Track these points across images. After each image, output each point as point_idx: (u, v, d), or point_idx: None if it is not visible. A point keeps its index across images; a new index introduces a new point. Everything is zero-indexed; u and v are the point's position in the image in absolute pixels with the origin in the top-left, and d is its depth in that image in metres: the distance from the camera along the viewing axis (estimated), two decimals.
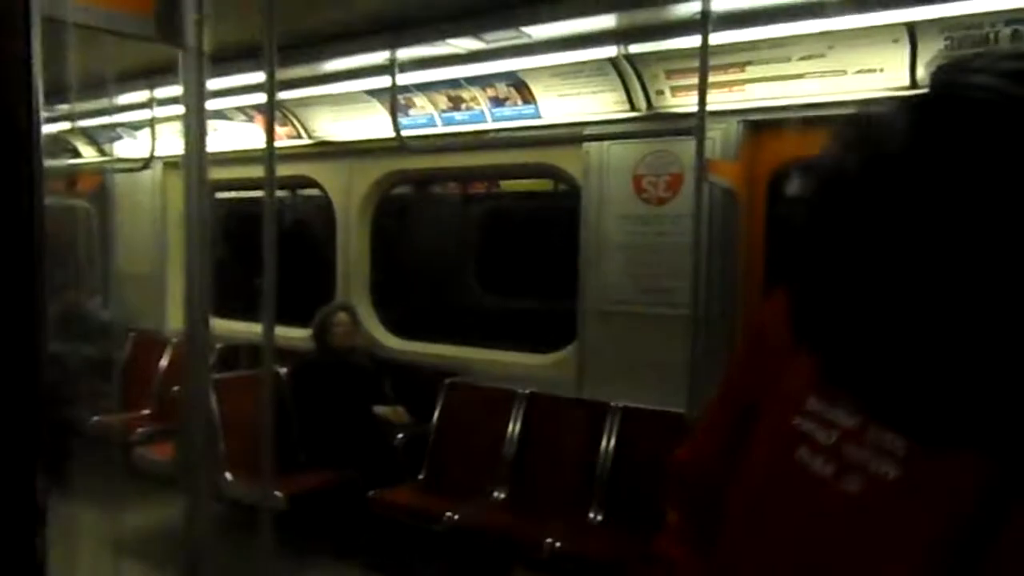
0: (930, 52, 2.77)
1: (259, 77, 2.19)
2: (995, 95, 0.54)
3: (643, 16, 3.16)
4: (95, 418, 4.65)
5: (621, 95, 3.52)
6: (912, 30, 2.78)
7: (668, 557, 0.83)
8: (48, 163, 0.60)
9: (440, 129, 4.19)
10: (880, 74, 2.93)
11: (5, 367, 0.54)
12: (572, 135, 3.77)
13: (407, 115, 4.14)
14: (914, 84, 2.88)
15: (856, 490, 0.60)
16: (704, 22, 2.58)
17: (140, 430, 4.64)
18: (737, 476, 0.71)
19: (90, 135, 5.79)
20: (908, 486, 0.58)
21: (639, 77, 3.42)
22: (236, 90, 4.12)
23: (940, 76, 0.60)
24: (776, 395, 0.69)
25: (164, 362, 5.11)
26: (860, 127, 0.62)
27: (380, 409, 4.22)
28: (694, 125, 2.67)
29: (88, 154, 5.97)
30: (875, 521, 0.59)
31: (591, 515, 3.46)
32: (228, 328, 4.54)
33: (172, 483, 3.28)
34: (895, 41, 2.84)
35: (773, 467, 0.68)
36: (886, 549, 0.58)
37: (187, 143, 1.68)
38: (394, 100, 3.82)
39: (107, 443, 4.43)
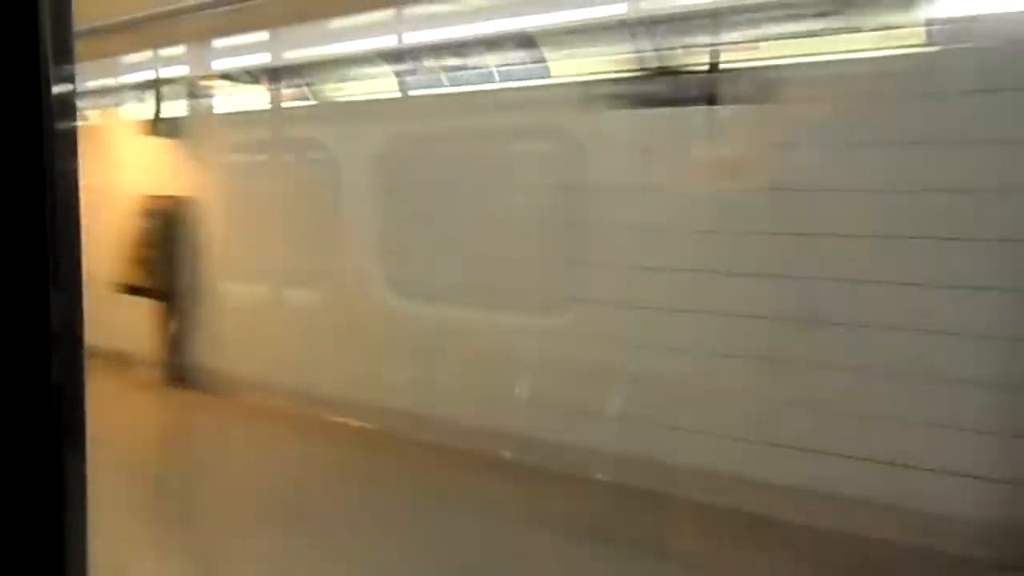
0: None
1: (263, 37, 2.15)
2: None
3: None
4: None
5: (632, 54, 3.44)
6: None
7: None
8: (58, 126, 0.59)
9: (447, 89, 4.12)
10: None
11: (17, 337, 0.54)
12: (581, 95, 3.70)
13: (414, 74, 4.07)
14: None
15: None
16: None
17: None
18: None
19: (94, 96, 5.72)
20: None
21: (651, 36, 3.35)
22: (241, 49, 4.05)
23: None
24: None
25: None
26: None
27: None
28: (704, 85, 2.62)
29: (93, 117, 5.90)
30: None
31: None
32: None
33: None
34: None
35: None
36: None
37: (192, 105, 1.66)
38: (400, 60, 3.74)
39: None
